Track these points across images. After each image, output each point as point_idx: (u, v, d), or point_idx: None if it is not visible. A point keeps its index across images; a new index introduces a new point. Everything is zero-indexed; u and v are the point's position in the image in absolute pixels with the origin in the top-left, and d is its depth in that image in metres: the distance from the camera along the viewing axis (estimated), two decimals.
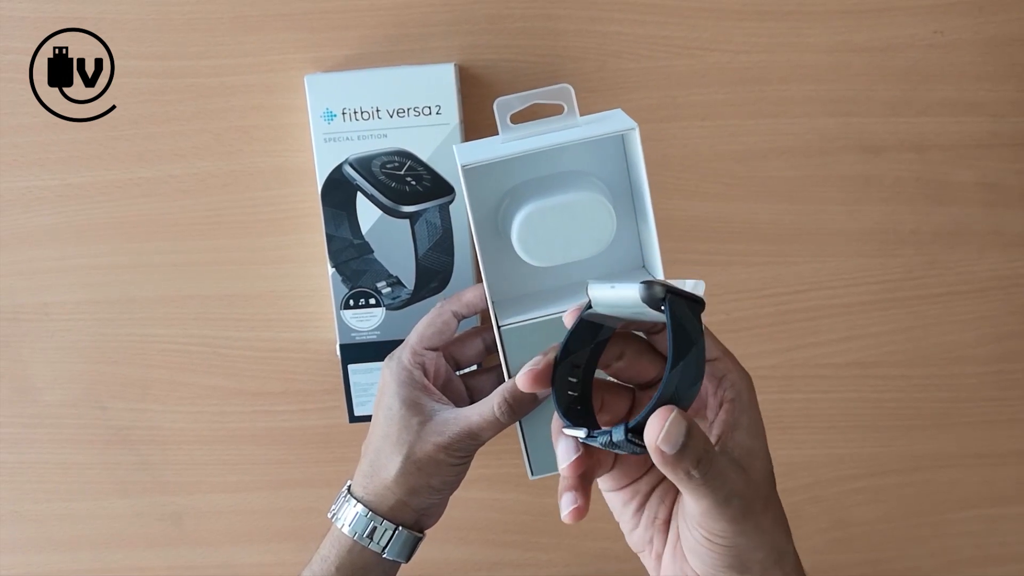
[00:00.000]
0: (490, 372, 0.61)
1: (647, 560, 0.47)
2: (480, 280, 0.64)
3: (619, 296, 0.41)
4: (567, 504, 0.44)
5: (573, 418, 0.44)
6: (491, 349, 0.60)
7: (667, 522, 0.46)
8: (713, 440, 0.43)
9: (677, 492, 0.46)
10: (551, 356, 0.45)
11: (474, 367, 0.62)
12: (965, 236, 0.68)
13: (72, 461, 0.70)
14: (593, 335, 0.45)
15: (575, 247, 0.55)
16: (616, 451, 0.43)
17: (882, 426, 0.71)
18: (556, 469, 0.56)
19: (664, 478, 0.46)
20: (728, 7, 0.64)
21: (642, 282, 0.40)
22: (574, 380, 0.45)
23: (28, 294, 0.67)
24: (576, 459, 0.43)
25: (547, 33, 0.64)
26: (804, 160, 0.66)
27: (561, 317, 0.48)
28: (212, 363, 0.68)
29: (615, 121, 0.54)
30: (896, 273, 0.68)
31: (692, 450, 0.39)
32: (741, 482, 0.42)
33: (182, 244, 0.66)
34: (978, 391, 0.70)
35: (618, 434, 0.40)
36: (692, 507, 0.42)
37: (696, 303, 0.40)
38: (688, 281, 0.41)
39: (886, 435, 0.71)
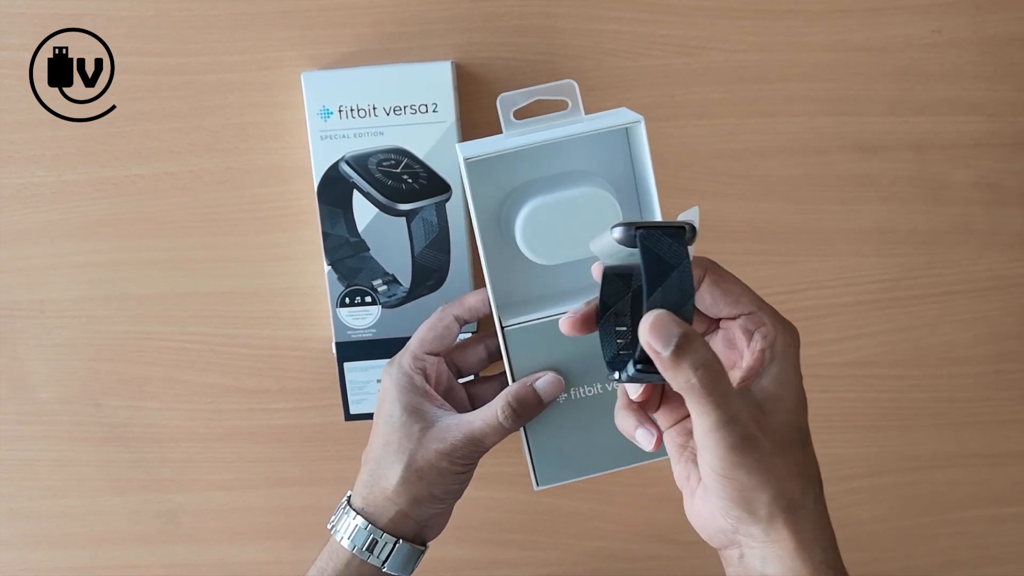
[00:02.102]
0: (493, 380, 0.60)
1: (687, 499, 0.47)
2: (477, 279, 0.63)
3: (608, 243, 0.42)
4: (643, 438, 0.46)
5: (619, 365, 0.44)
6: (494, 356, 0.59)
7: None
8: (735, 383, 0.44)
9: None
10: (593, 304, 0.45)
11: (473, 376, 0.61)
12: (963, 236, 0.68)
13: (67, 458, 0.70)
14: (627, 284, 0.45)
15: (579, 244, 0.54)
16: (640, 383, 0.44)
17: (880, 426, 0.71)
18: (562, 480, 0.56)
19: None
20: (726, 6, 0.64)
21: (613, 225, 0.41)
22: (623, 328, 0.45)
23: (24, 291, 0.67)
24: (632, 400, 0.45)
25: (545, 31, 0.64)
26: (802, 159, 0.66)
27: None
28: (208, 361, 0.68)
29: (620, 116, 0.54)
30: (894, 273, 0.68)
31: (691, 353, 0.39)
32: (747, 412, 0.41)
33: (178, 241, 0.66)
34: (976, 391, 0.70)
35: (630, 366, 0.41)
36: (697, 427, 0.41)
37: (678, 230, 0.40)
38: (683, 213, 0.42)
39: (884, 435, 0.71)
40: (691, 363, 0.40)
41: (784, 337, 0.45)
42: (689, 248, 0.41)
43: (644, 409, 0.46)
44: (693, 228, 0.41)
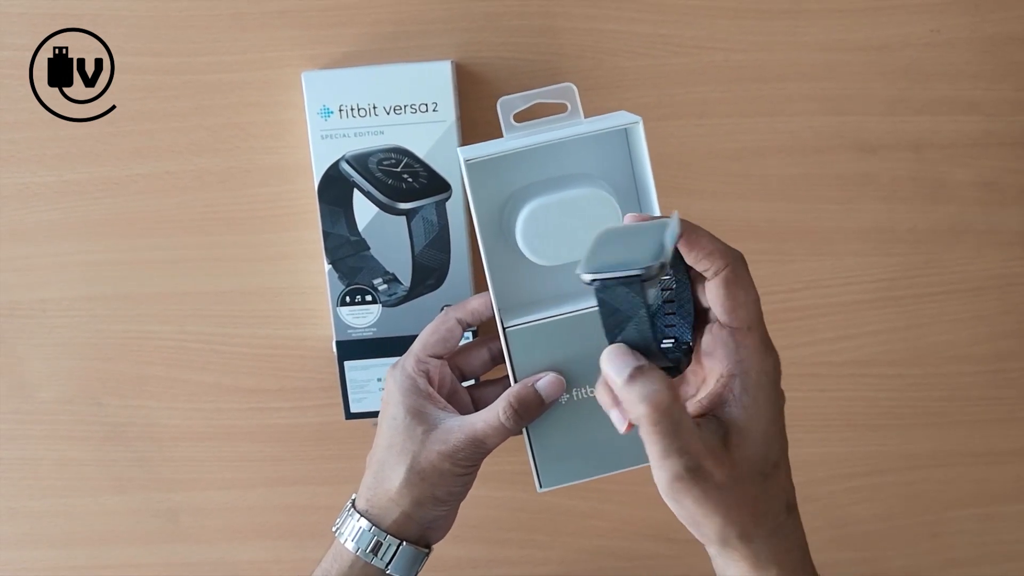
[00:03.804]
0: (497, 383, 0.60)
1: None
2: (477, 278, 0.64)
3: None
4: (616, 419, 0.45)
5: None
6: (497, 359, 0.59)
7: None
8: (697, 409, 0.44)
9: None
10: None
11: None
12: (962, 235, 0.68)
13: (68, 457, 0.70)
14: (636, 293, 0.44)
15: (580, 244, 0.54)
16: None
17: (878, 425, 0.71)
18: (565, 481, 0.56)
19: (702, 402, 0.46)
20: (725, 5, 0.64)
21: (577, 272, 0.41)
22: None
23: (24, 290, 0.67)
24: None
25: (544, 31, 0.64)
26: (801, 158, 0.66)
27: (566, 319, 0.48)
28: (208, 360, 0.68)
29: (619, 118, 0.54)
30: (893, 272, 0.68)
31: (641, 385, 0.41)
32: (700, 444, 0.42)
33: (179, 241, 0.66)
34: (974, 390, 0.70)
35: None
36: (648, 453, 0.42)
37: (633, 278, 0.40)
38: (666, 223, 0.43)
39: (882, 434, 0.71)
40: (639, 395, 0.41)
41: (761, 366, 0.44)
42: (652, 281, 0.41)
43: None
44: (661, 265, 0.40)
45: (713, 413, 0.44)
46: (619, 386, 0.42)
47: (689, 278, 0.45)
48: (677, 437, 0.41)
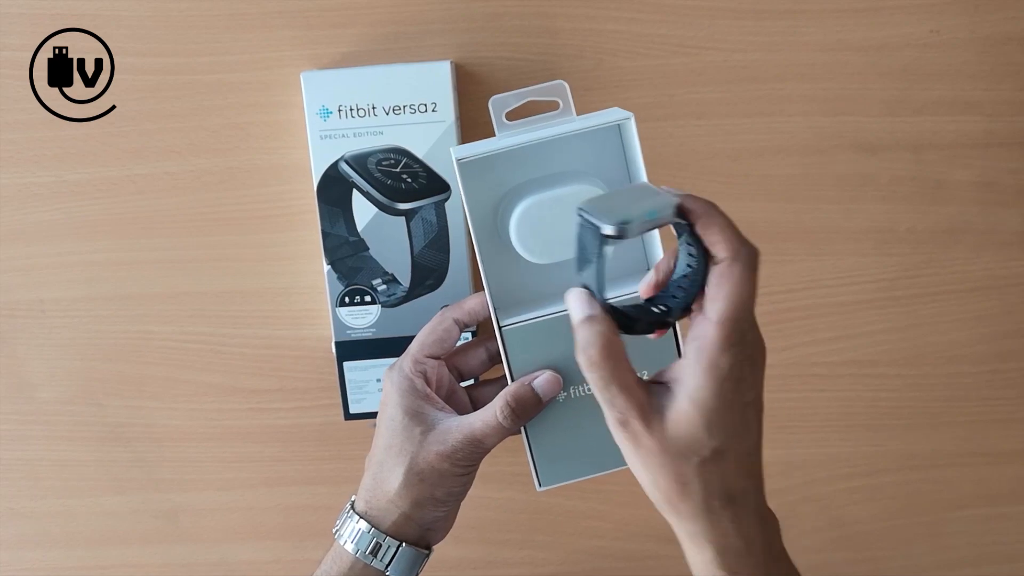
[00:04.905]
0: (495, 383, 0.60)
1: None
2: (476, 279, 0.64)
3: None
4: None
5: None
6: (495, 359, 0.59)
7: None
8: (658, 376, 0.47)
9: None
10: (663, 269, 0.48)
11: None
12: (961, 235, 0.68)
13: (68, 458, 0.70)
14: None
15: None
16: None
17: (878, 425, 0.71)
18: (564, 480, 0.56)
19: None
20: (724, 6, 0.64)
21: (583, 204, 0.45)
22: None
23: (24, 290, 0.67)
24: None
25: (543, 31, 0.64)
26: (800, 159, 0.66)
27: (562, 317, 0.48)
28: (208, 360, 0.68)
29: (611, 114, 0.54)
30: (892, 272, 0.68)
31: (588, 330, 0.45)
32: (627, 401, 0.44)
33: (178, 241, 0.66)
34: (974, 390, 0.70)
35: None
36: None
37: (595, 229, 0.44)
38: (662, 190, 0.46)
39: (882, 434, 0.71)
40: (583, 340, 0.45)
41: (716, 360, 0.44)
42: (614, 242, 0.44)
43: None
44: (619, 234, 0.43)
45: (667, 384, 0.45)
46: (573, 326, 0.46)
47: (706, 260, 0.46)
48: (607, 389, 0.45)
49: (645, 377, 0.48)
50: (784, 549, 0.48)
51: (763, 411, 0.46)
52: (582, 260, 0.46)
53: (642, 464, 0.45)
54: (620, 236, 0.43)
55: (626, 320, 0.46)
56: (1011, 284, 0.69)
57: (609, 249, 0.44)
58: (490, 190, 0.56)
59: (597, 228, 0.44)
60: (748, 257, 0.44)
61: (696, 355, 0.44)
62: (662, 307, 0.47)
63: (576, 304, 0.46)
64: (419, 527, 0.55)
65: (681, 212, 0.45)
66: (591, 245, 0.44)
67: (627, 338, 0.46)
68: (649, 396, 0.45)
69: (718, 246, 0.44)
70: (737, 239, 0.44)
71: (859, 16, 0.64)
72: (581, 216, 0.45)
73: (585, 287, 0.46)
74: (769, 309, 0.68)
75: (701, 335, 0.44)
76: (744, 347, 0.44)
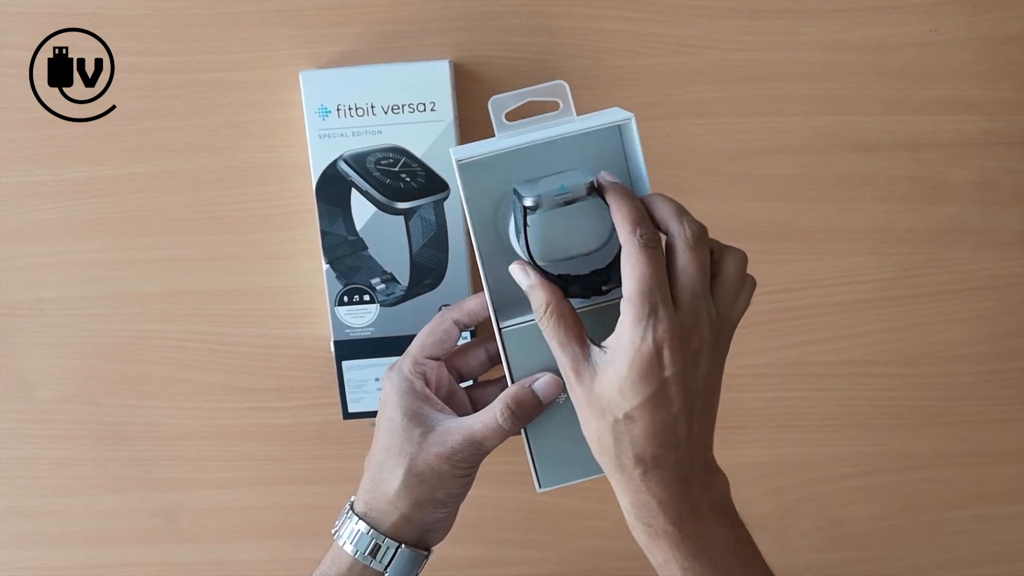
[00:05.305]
0: (495, 384, 0.60)
1: None
2: (475, 278, 0.64)
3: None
4: None
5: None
6: (495, 360, 0.59)
7: None
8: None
9: None
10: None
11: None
12: (960, 235, 0.68)
13: (66, 457, 0.70)
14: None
15: (574, 243, 0.54)
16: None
17: (877, 425, 0.71)
18: (564, 481, 0.56)
19: None
20: (723, 5, 0.64)
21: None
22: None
23: (22, 289, 0.67)
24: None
25: (542, 30, 0.64)
26: (799, 158, 0.66)
27: None
28: (206, 359, 0.68)
29: (611, 114, 0.54)
30: (891, 272, 0.68)
31: (537, 294, 0.52)
32: (569, 355, 0.50)
33: (176, 240, 0.67)
34: (973, 390, 0.70)
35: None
36: None
37: (518, 199, 0.52)
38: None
39: (881, 434, 0.71)
40: (535, 302, 0.51)
41: (630, 336, 0.48)
42: (531, 212, 0.51)
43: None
44: (535, 205, 0.51)
45: (607, 348, 0.49)
46: (525, 291, 0.52)
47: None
48: (552, 345, 0.51)
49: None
50: (725, 511, 0.52)
51: (710, 390, 0.50)
52: (516, 230, 0.53)
53: (579, 406, 0.51)
54: (536, 207, 0.51)
55: (562, 283, 0.52)
56: (1010, 284, 0.69)
57: (534, 219, 0.51)
58: (490, 191, 0.56)
59: (517, 196, 0.52)
60: (646, 242, 0.48)
61: (618, 326, 0.49)
62: (602, 276, 0.52)
63: (518, 275, 0.52)
64: (418, 528, 0.55)
65: (600, 194, 0.51)
66: (519, 216, 0.52)
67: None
68: (587, 353, 0.50)
69: (618, 227, 0.49)
70: (632, 220, 0.49)
71: (858, 16, 0.64)
72: (514, 191, 0.53)
73: (528, 258, 0.52)
74: (768, 309, 0.68)
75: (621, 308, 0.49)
76: (658, 322, 0.47)
